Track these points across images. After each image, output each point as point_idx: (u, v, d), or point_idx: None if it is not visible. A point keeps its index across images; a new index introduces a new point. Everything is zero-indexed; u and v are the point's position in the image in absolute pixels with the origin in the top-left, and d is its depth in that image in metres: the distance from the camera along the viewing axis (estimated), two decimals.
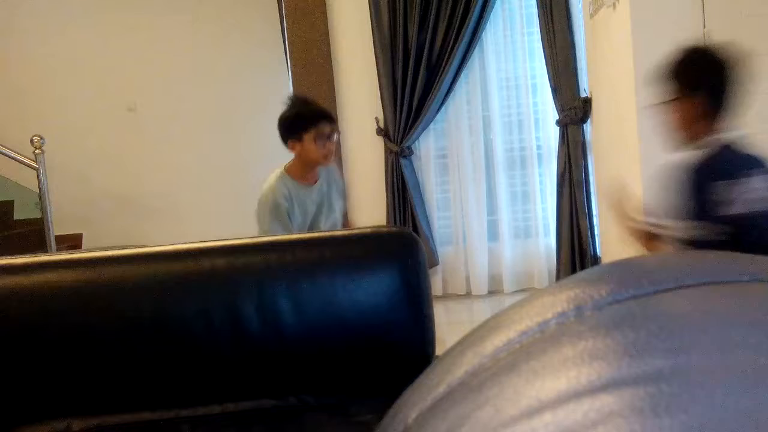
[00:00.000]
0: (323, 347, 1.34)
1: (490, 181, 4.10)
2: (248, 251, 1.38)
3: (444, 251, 4.14)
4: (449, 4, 3.84)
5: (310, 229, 2.34)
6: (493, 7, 3.91)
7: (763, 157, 1.72)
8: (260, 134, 5.34)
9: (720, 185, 1.59)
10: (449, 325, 3.54)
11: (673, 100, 1.67)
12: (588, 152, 3.73)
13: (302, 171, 2.33)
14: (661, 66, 1.66)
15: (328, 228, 2.38)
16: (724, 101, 1.65)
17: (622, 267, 0.35)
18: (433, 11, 3.86)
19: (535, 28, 3.88)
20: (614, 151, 3.06)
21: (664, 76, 1.68)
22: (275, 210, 2.28)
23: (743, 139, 1.71)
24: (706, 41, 2.36)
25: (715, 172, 1.61)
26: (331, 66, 4.04)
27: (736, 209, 1.60)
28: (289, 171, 2.34)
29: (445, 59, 3.89)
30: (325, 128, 2.25)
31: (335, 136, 2.31)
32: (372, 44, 3.97)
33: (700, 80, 1.66)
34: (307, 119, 2.27)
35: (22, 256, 1.37)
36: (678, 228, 1.59)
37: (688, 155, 1.65)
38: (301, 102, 2.41)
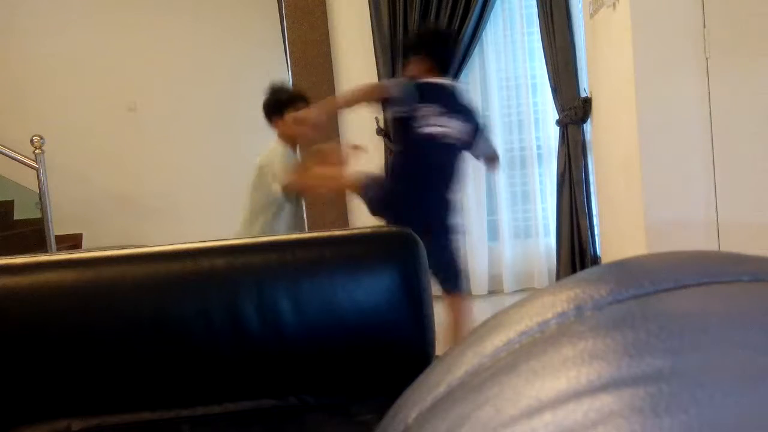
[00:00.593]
0: (323, 347, 1.34)
1: (490, 181, 4.10)
2: (248, 251, 1.38)
3: None
4: (449, 4, 3.84)
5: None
6: (493, 7, 3.91)
7: (472, 106, 2.51)
8: (260, 134, 5.34)
9: (419, 107, 2.30)
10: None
11: (410, 61, 2.51)
12: (588, 152, 3.73)
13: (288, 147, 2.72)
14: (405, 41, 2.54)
15: None
16: (439, 61, 2.44)
17: (622, 267, 0.35)
18: (433, 11, 3.86)
19: (535, 28, 3.88)
20: (614, 151, 3.06)
21: (405, 46, 2.55)
22: (285, 164, 2.68)
23: (457, 86, 2.56)
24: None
25: (418, 96, 2.32)
26: (331, 66, 4.04)
27: (426, 130, 2.30)
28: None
29: None
30: (302, 106, 2.67)
31: None
32: (372, 44, 3.97)
33: (422, 47, 2.47)
34: (287, 99, 2.72)
35: (22, 256, 1.37)
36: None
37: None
38: (279, 87, 2.85)
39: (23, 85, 5.26)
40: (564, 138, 3.78)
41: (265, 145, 5.29)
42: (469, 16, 3.83)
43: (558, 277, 3.91)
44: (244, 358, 1.32)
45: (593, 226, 3.74)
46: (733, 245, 2.51)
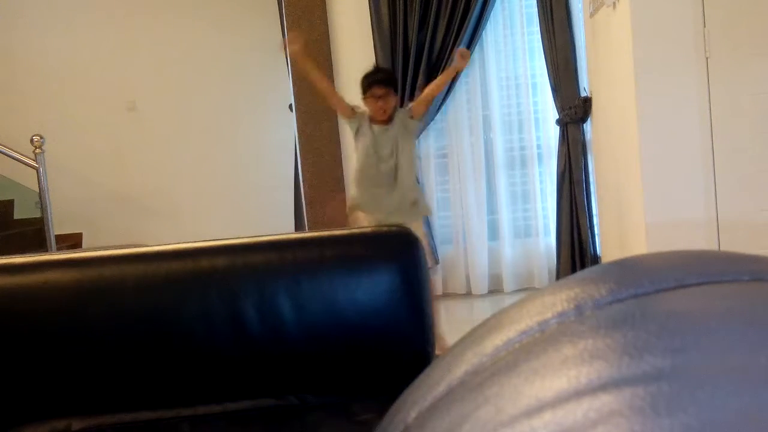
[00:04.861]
0: (323, 346, 1.34)
1: (490, 181, 4.10)
2: (248, 251, 1.38)
3: (444, 251, 4.13)
4: (449, 4, 3.84)
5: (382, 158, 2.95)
6: (493, 6, 3.91)
7: None
8: (260, 134, 5.35)
9: None
10: (449, 324, 3.53)
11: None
12: (588, 151, 3.73)
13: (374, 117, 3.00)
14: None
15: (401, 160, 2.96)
16: None
17: (623, 266, 0.35)
18: (433, 11, 3.85)
19: (535, 28, 3.88)
20: (614, 151, 3.06)
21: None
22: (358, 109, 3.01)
23: None
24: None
25: None
26: (332, 66, 4.04)
27: None
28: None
29: (445, 59, 3.89)
30: (378, 91, 2.91)
31: (390, 95, 2.95)
32: (372, 44, 3.96)
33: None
34: (365, 81, 3.00)
35: (22, 255, 1.37)
36: None
37: None
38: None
39: (23, 85, 5.26)
40: (564, 137, 3.78)
41: (263, 144, 5.30)
42: (469, 16, 3.83)
43: (558, 276, 3.91)
44: (244, 358, 1.32)
45: (593, 225, 3.74)
46: (733, 245, 2.51)
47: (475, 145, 4.06)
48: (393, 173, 2.94)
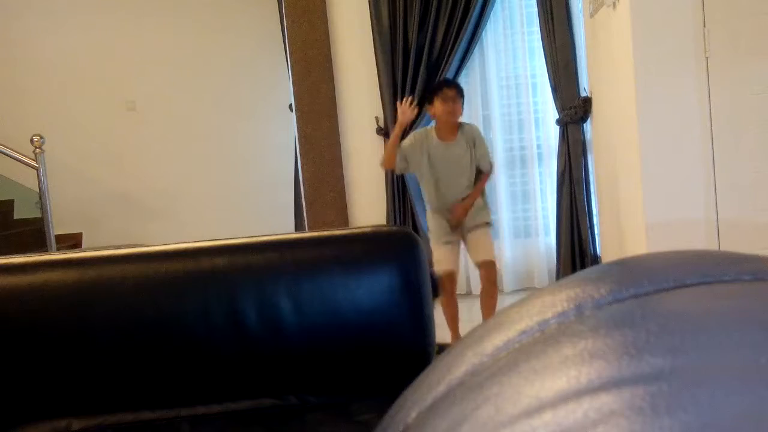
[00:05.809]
0: (323, 346, 1.34)
1: (490, 181, 4.10)
2: (248, 251, 1.38)
3: None
4: (449, 4, 3.84)
5: (444, 177, 2.98)
6: (493, 6, 3.91)
7: None
8: (260, 134, 5.35)
9: None
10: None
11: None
12: (588, 151, 3.73)
13: (440, 130, 2.97)
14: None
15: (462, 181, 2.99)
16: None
17: (623, 266, 0.35)
18: (433, 11, 3.85)
19: (535, 28, 3.88)
20: (614, 151, 3.06)
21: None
22: (404, 146, 3.04)
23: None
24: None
25: None
26: (331, 66, 4.04)
27: None
28: (434, 129, 3.01)
29: (445, 59, 3.89)
30: (449, 92, 2.91)
31: (459, 100, 2.94)
32: (372, 44, 3.97)
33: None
34: (435, 86, 3.07)
35: (22, 255, 1.37)
36: None
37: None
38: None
39: (23, 85, 5.26)
40: (564, 137, 3.78)
41: (263, 144, 5.34)
42: (469, 15, 3.83)
43: (558, 276, 3.91)
44: (244, 358, 1.32)
45: (593, 225, 3.74)
46: (733, 245, 2.51)
47: None
48: (463, 187, 2.98)
